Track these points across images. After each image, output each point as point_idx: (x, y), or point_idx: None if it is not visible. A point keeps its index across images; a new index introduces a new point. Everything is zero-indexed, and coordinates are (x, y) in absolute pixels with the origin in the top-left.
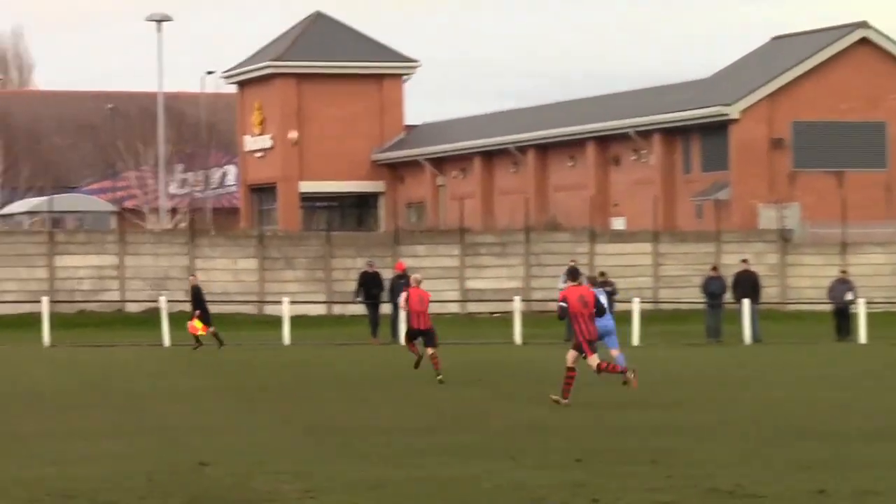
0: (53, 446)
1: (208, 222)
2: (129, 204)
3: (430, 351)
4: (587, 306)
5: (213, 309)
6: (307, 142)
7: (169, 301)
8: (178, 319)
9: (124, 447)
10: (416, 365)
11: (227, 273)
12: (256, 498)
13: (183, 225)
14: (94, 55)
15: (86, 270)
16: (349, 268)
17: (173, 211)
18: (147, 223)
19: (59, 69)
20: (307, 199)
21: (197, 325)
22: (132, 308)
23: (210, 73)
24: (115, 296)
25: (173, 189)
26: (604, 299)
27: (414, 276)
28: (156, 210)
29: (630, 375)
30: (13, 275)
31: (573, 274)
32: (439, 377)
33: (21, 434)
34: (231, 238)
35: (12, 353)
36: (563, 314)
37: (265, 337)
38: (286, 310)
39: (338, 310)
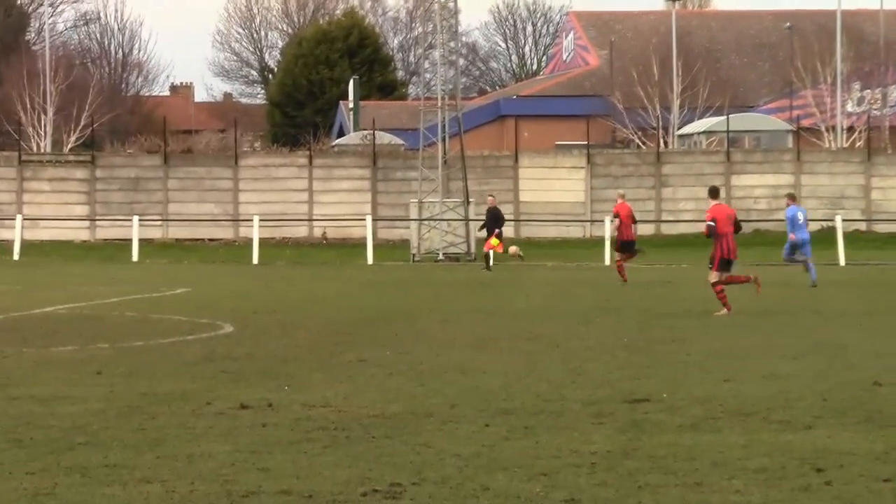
0: (725, 365)
1: (885, 141)
2: (805, 123)
3: None
4: (732, 225)
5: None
6: None
7: (844, 220)
8: (854, 240)
9: (797, 367)
10: None
11: None
12: None
13: (859, 144)
14: None
15: (762, 190)
16: None
17: (850, 129)
18: (823, 142)
19: None
20: None
21: (493, 243)
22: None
23: None
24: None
25: (850, 107)
26: (801, 216)
27: None
28: (832, 128)
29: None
30: (691, 194)
31: (715, 192)
32: None
33: (694, 353)
34: None
35: (684, 274)
36: (711, 233)
37: None
38: None
39: None
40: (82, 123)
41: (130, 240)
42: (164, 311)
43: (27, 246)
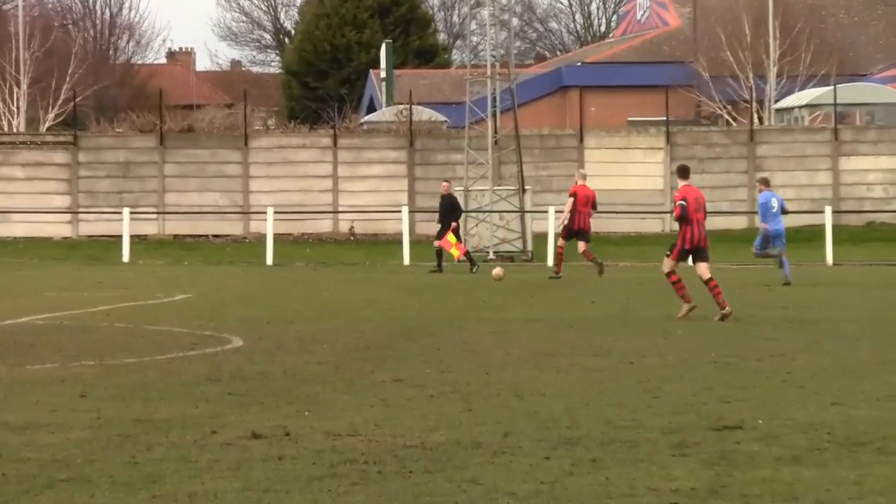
0: (833, 385)
1: None
2: None
3: None
4: (702, 211)
5: None
6: None
7: None
8: None
9: None
10: None
11: None
12: None
13: None
14: None
15: (876, 175)
16: None
17: None
18: None
19: None
20: None
21: (451, 240)
22: None
23: None
24: None
25: None
26: (776, 203)
27: None
28: None
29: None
30: (791, 180)
31: (684, 172)
32: None
33: (795, 371)
34: None
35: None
36: (683, 213)
37: None
38: None
39: None
40: (62, 97)
41: (120, 236)
42: (161, 321)
43: None
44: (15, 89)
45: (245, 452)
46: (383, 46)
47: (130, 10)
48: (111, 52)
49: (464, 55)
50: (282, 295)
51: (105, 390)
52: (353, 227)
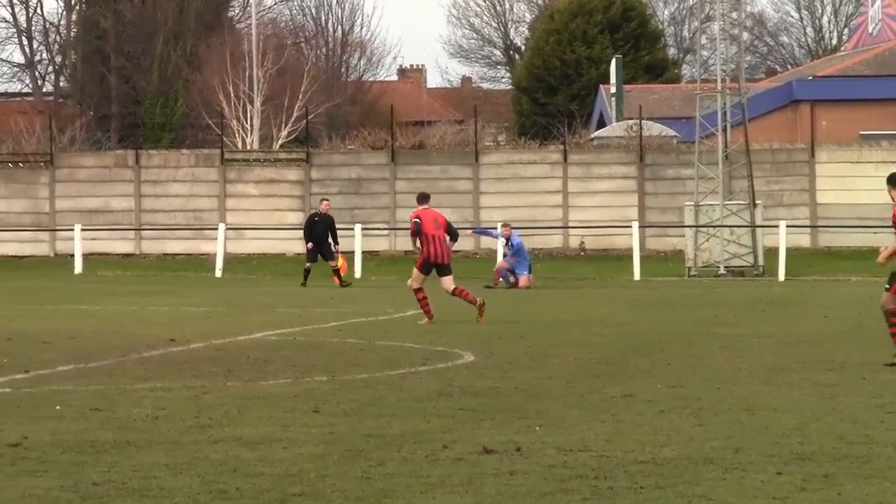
0: None
1: None
2: None
3: None
4: (441, 229)
5: None
6: None
7: None
8: None
9: None
10: None
11: None
12: None
13: None
14: None
15: None
16: None
17: None
18: None
19: None
20: None
21: (338, 263)
22: None
23: None
24: None
25: None
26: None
27: None
28: None
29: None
30: None
31: (422, 198)
32: None
33: None
34: None
35: None
36: (417, 230)
37: None
38: None
39: None
40: (295, 115)
41: (351, 252)
42: (392, 337)
43: (231, 260)
44: (249, 107)
45: (476, 467)
46: (613, 61)
47: (362, 27)
48: (343, 69)
49: (694, 70)
50: (511, 310)
51: (337, 405)
52: (583, 242)
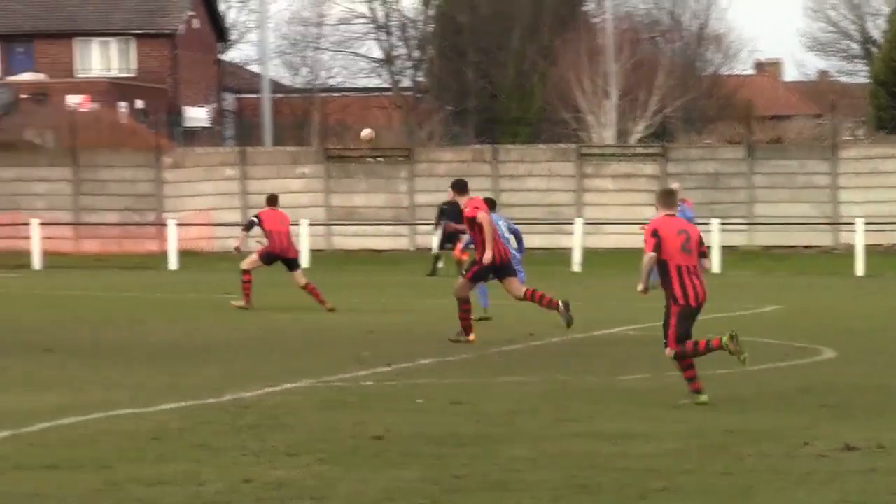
0: None
1: None
2: None
3: None
4: (286, 226)
5: None
6: None
7: None
8: None
9: None
10: None
11: None
12: None
13: None
14: None
15: None
16: None
17: None
18: None
19: None
20: None
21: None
22: None
23: None
24: None
25: None
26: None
27: None
28: None
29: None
30: None
31: (270, 200)
32: None
33: None
34: None
35: None
36: (253, 225)
37: None
38: None
39: None
40: (651, 109)
41: (707, 247)
42: (751, 332)
43: (589, 255)
44: (604, 102)
45: (838, 465)
46: None
47: (718, 20)
48: (699, 63)
49: None
50: (872, 307)
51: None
52: None
